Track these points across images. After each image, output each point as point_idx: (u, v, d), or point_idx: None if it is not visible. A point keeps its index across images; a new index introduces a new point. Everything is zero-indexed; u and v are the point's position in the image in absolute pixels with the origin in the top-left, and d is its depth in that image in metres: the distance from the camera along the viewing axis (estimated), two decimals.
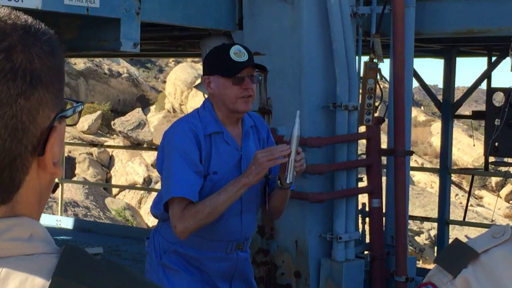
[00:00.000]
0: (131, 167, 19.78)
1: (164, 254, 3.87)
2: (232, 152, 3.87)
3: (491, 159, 9.90)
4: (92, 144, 19.03)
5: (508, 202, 27.53)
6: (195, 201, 3.70)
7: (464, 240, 1.45)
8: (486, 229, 1.41)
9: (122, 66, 34.24)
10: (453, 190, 18.72)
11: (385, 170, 8.16)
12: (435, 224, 12.91)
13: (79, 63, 31.11)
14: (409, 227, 8.41)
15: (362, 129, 8.01)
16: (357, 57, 7.90)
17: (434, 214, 11.07)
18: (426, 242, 16.08)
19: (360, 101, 7.62)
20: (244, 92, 3.76)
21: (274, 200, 3.95)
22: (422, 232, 16.25)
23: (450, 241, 10.13)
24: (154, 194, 17.59)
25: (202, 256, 3.86)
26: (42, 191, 1.36)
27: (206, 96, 4.06)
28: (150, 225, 15.07)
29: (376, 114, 7.92)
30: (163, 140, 3.93)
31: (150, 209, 3.95)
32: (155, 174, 18.40)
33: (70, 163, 19.57)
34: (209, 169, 3.81)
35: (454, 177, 22.79)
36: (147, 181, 18.28)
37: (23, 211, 1.33)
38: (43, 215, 1.45)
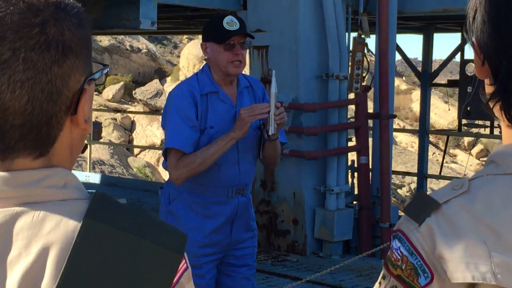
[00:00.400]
0: (150, 131, 19.75)
1: (172, 202, 3.88)
2: (227, 109, 3.87)
3: (464, 121, 9.90)
4: (116, 110, 19.01)
5: (479, 160, 27.51)
6: (188, 152, 3.72)
7: (429, 192, 1.45)
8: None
9: (142, 42, 34.05)
10: (431, 149, 18.69)
11: (371, 131, 8.16)
12: (415, 178, 12.92)
13: (104, 40, 30.93)
14: (392, 181, 8.41)
15: (351, 96, 8.02)
16: (347, 33, 7.88)
17: (414, 169, 11.08)
18: (407, 194, 16.10)
19: (349, 72, 7.62)
20: (235, 57, 3.79)
21: (265, 150, 3.95)
22: (404, 185, 16.26)
23: (428, 192, 10.14)
24: None
25: (206, 201, 3.85)
26: (74, 145, 1.37)
27: None
28: None
29: (363, 83, 7.92)
30: (166, 101, 3.97)
31: (162, 164, 3.95)
32: None
33: (97, 127, 19.53)
34: (206, 124, 3.81)
35: (431, 138, 22.74)
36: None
37: (58, 163, 1.33)
38: (73, 172, 1.44)
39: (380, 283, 1.43)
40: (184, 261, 1.28)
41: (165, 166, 3.92)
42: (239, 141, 3.80)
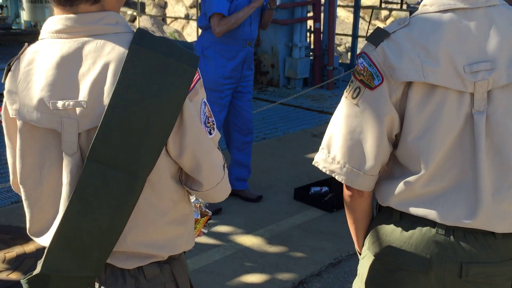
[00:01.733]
0: (177, 8, 19.13)
1: (206, 49, 3.78)
2: None
3: None
4: None
5: None
6: (226, 15, 3.61)
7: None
8: None
9: None
10: (360, 21, 18.29)
11: (323, 7, 7.88)
12: (349, 39, 12.68)
13: None
14: (335, 41, 8.22)
15: None
16: None
17: (350, 33, 10.85)
18: (343, 50, 15.87)
19: None
20: None
21: (264, 17, 3.88)
22: (341, 44, 16.01)
23: (358, 50, 9.86)
24: (191, 23, 17.15)
25: (229, 48, 3.76)
26: None
27: None
28: (189, 41, 14.78)
29: None
30: None
31: (197, 23, 3.81)
32: (191, 12, 17.88)
33: (142, 5, 18.91)
34: None
35: (360, 13, 22.23)
36: (186, 16, 17.77)
37: (109, 8, 1.27)
38: None
39: (349, 85, 1.42)
40: (197, 73, 1.24)
41: (200, 25, 3.79)
42: None
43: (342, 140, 1.40)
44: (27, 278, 1.25)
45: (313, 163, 1.49)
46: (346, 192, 1.48)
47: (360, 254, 1.57)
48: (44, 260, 1.23)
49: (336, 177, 1.43)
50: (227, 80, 3.78)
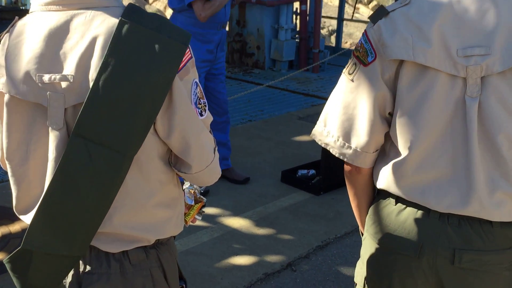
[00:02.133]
0: None
1: None
2: None
3: None
4: None
5: (373, 11, 27.04)
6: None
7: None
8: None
9: None
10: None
11: None
12: (334, 22, 12.61)
13: None
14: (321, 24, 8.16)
15: None
16: None
17: (333, 16, 10.75)
18: (327, 33, 15.82)
19: None
20: None
21: None
22: (325, 27, 15.94)
23: (343, 34, 9.68)
24: None
25: (205, 32, 3.70)
26: None
27: None
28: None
29: None
30: None
31: (168, 4, 3.70)
32: None
33: None
34: None
35: None
36: None
37: None
38: None
39: (349, 62, 1.41)
40: (189, 52, 1.19)
41: (172, 7, 3.69)
42: None
43: (337, 114, 1.40)
44: (9, 256, 1.21)
45: (310, 135, 1.50)
46: (346, 167, 1.49)
47: (362, 235, 1.56)
48: (26, 235, 1.19)
49: (330, 150, 1.44)
50: (203, 63, 3.73)
